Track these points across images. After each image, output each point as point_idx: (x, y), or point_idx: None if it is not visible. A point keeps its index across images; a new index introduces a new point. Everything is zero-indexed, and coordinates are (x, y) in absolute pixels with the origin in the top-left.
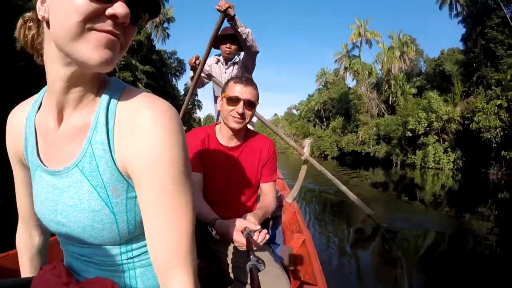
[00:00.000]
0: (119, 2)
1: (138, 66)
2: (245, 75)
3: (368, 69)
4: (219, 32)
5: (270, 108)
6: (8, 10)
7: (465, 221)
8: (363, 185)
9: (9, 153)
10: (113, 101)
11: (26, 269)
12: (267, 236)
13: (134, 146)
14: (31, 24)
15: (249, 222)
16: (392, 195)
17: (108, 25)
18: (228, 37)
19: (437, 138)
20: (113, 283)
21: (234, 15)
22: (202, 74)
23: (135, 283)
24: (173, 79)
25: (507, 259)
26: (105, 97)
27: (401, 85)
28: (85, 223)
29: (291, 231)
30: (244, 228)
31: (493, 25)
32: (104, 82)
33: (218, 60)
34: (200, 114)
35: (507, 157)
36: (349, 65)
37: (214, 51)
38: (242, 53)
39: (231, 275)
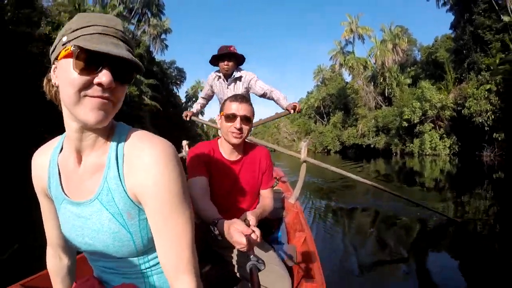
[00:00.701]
0: (104, 71)
1: (143, 80)
2: (240, 94)
3: (363, 63)
4: (218, 52)
5: (271, 108)
6: (18, 37)
7: (465, 202)
8: (369, 178)
9: (35, 188)
10: (121, 144)
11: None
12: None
13: (140, 180)
14: (55, 82)
15: (245, 226)
16: (397, 185)
17: (97, 91)
18: (225, 56)
19: (433, 125)
20: (136, 287)
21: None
22: (202, 99)
23: (153, 284)
24: (174, 87)
25: (505, 236)
26: (114, 141)
27: (396, 77)
28: (107, 242)
29: (294, 230)
30: (244, 220)
31: (480, 11)
32: (112, 127)
33: (219, 77)
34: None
35: (499, 139)
36: (344, 61)
37: (212, 68)
38: (241, 72)
39: (237, 275)
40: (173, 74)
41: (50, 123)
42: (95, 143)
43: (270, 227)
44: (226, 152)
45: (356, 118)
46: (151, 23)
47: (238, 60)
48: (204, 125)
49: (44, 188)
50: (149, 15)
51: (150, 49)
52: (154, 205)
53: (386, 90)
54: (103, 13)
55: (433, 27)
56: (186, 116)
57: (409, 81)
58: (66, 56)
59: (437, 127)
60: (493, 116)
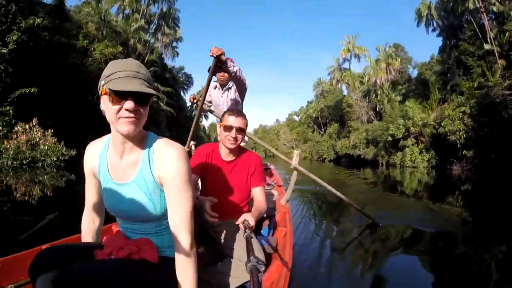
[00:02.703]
0: (128, 101)
1: (160, 88)
2: (236, 109)
3: (359, 78)
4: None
5: (272, 113)
6: (58, 48)
7: (436, 208)
8: (357, 184)
9: (85, 169)
10: (151, 147)
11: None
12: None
13: (165, 170)
14: (103, 108)
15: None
16: (380, 190)
17: (126, 113)
18: (222, 68)
19: (415, 141)
20: (150, 240)
21: (225, 60)
22: (205, 105)
23: (162, 241)
24: (181, 92)
25: (470, 237)
26: (147, 146)
27: (387, 94)
28: (138, 209)
29: (279, 226)
30: (243, 220)
31: (466, 38)
32: (144, 136)
33: (216, 87)
34: (205, 123)
35: (468, 155)
36: (341, 77)
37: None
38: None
39: (224, 253)
40: (181, 80)
41: (92, 121)
42: (132, 147)
43: (261, 223)
44: (224, 154)
45: (349, 130)
46: (165, 32)
47: None
48: (206, 129)
49: (93, 170)
50: (165, 27)
51: (162, 56)
52: (172, 184)
53: (378, 106)
54: (126, 58)
55: (432, 45)
56: (193, 98)
57: (399, 98)
58: (104, 94)
59: (419, 143)
60: (465, 135)
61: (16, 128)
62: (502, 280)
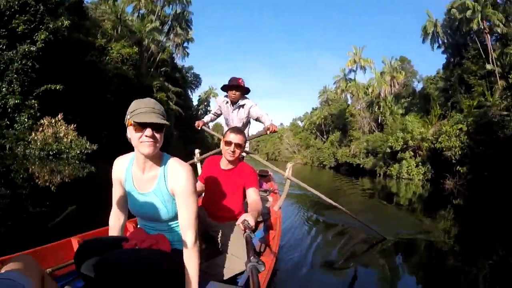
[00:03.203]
0: (147, 129)
1: (170, 88)
2: (237, 127)
3: (363, 89)
4: (229, 82)
5: (276, 116)
6: (77, 45)
7: (428, 220)
8: (355, 194)
9: (113, 179)
10: (166, 166)
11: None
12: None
13: (175, 184)
14: (129, 136)
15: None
16: (376, 200)
17: (146, 138)
18: (233, 87)
19: (413, 154)
20: (164, 236)
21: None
22: (213, 115)
23: (173, 237)
24: (189, 91)
25: (459, 249)
26: (162, 164)
27: (390, 106)
28: (155, 212)
29: (271, 229)
30: (243, 220)
31: (470, 57)
32: (161, 156)
33: (227, 102)
34: (210, 124)
35: (461, 171)
36: (346, 87)
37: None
38: (245, 101)
39: (220, 250)
40: (190, 79)
41: (108, 118)
42: (152, 165)
43: (256, 226)
44: (223, 164)
45: (350, 139)
46: (177, 33)
47: (244, 91)
48: (210, 127)
49: (120, 180)
50: (177, 28)
51: (173, 55)
52: (182, 195)
53: (380, 117)
54: (147, 100)
55: (439, 60)
56: (198, 126)
57: (401, 111)
58: (130, 125)
59: (417, 156)
60: (460, 152)
61: (41, 121)
62: None
